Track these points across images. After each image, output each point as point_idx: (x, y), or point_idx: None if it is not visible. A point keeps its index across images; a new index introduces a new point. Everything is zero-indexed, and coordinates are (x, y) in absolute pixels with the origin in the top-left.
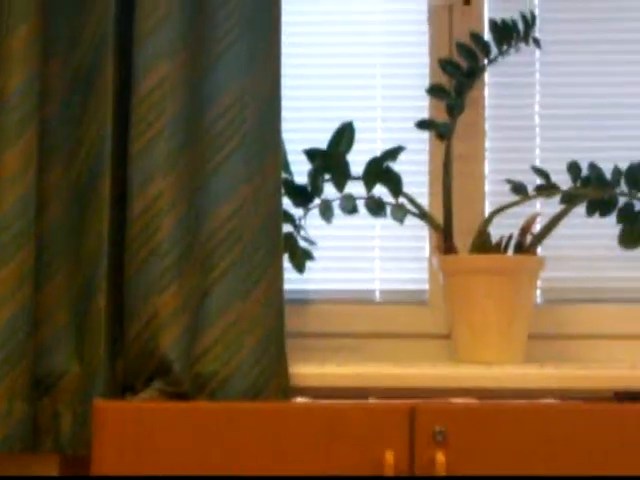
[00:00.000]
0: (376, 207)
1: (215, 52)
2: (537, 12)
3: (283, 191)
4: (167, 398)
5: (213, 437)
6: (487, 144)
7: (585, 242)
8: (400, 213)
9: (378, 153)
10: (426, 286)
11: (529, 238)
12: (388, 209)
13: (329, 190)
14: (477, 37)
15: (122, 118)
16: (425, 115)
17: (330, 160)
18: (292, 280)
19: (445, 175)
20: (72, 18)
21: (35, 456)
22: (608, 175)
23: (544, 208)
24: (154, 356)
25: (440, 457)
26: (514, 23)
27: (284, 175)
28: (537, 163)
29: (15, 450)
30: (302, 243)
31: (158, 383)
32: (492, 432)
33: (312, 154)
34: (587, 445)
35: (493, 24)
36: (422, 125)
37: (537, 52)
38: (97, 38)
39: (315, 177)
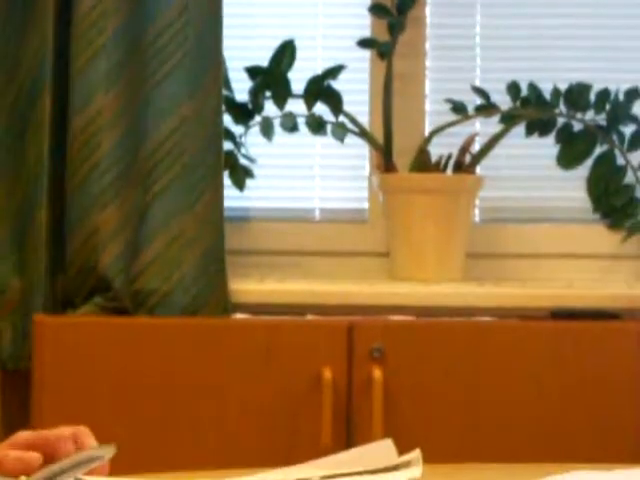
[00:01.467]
0: (316, 125)
1: None
2: None
3: (224, 108)
4: (107, 314)
5: (152, 352)
6: (428, 63)
7: (524, 162)
8: (340, 131)
9: (319, 71)
10: (366, 205)
11: (468, 157)
12: (328, 127)
13: (270, 108)
14: None
15: (63, 35)
16: (367, 34)
17: (271, 78)
18: (232, 198)
19: (385, 94)
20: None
21: None
22: (547, 96)
23: (484, 128)
24: (94, 272)
25: (377, 373)
26: None
27: (225, 92)
28: (477, 83)
29: None
30: (242, 161)
31: (98, 299)
32: (429, 349)
33: (253, 71)
34: (523, 363)
35: None
36: (363, 43)
37: None
38: None
39: (256, 94)
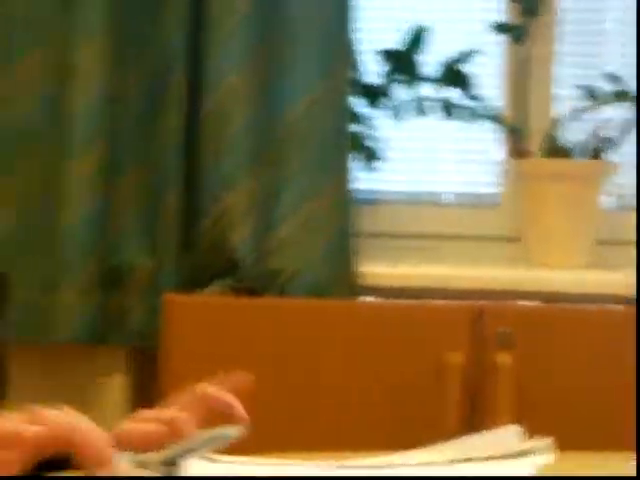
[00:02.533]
0: (448, 109)
1: None
2: None
3: (355, 91)
4: (236, 294)
5: (281, 333)
6: (562, 47)
7: None
8: (472, 115)
9: (452, 55)
10: (497, 189)
11: (601, 143)
12: (460, 112)
13: (401, 91)
14: None
15: (196, 15)
16: (501, 18)
17: (403, 61)
18: (362, 180)
19: (520, 78)
20: None
21: (105, 348)
22: None
23: (617, 113)
24: (224, 252)
25: (506, 359)
26: None
27: (356, 75)
28: (611, 68)
29: (84, 341)
30: (372, 143)
31: (227, 279)
32: (559, 335)
33: (386, 55)
34: None
35: None
36: (498, 28)
37: None
38: None
39: (388, 77)
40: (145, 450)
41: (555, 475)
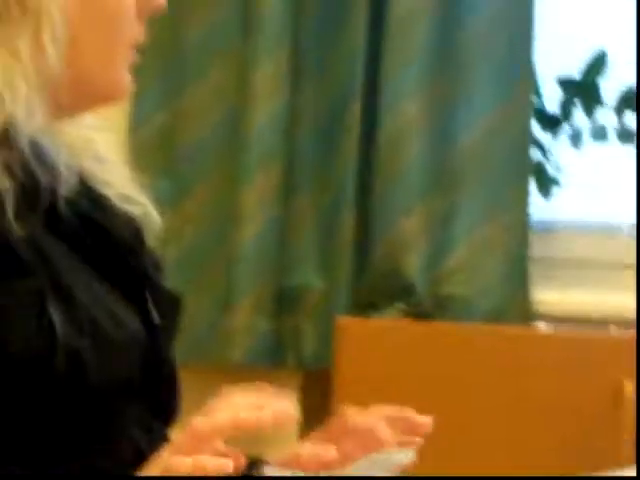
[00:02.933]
0: (627, 136)
1: None
2: None
3: (533, 117)
4: (409, 318)
5: (453, 358)
6: None
7: None
8: None
9: (631, 82)
10: None
11: None
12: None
13: (580, 118)
14: None
15: (374, 41)
16: None
17: (582, 87)
18: (539, 207)
19: None
20: None
21: (277, 370)
22: None
23: None
24: (398, 276)
25: None
26: None
27: (535, 101)
28: None
29: (258, 363)
30: (550, 170)
31: (401, 303)
32: None
33: (565, 82)
34: None
35: None
36: None
37: None
38: None
39: (566, 104)
40: (314, 470)
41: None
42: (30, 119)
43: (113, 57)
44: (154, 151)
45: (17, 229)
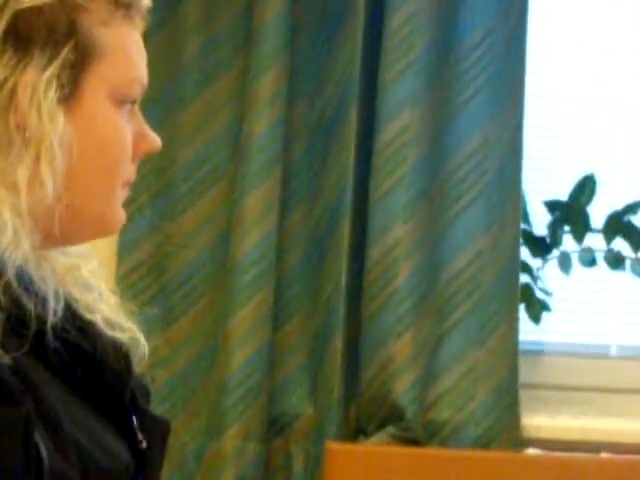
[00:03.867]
0: (615, 261)
1: (458, 100)
2: None
3: (522, 241)
4: (399, 443)
5: None
6: None
7: None
8: None
9: (619, 207)
10: None
11: None
12: (628, 263)
13: (568, 242)
14: None
15: (363, 165)
16: None
17: (570, 212)
18: (527, 331)
19: None
20: (318, 63)
21: None
22: None
23: None
24: (388, 401)
25: None
26: None
27: (523, 225)
28: None
29: None
30: (539, 294)
31: (390, 428)
32: None
33: (552, 205)
34: None
35: None
36: None
37: None
38: (343, 83)
39: (554, 228)
40: None
41: None
42: (17, 250)
43: (109, 195)
44: (143, 277)
45: (4, 357)
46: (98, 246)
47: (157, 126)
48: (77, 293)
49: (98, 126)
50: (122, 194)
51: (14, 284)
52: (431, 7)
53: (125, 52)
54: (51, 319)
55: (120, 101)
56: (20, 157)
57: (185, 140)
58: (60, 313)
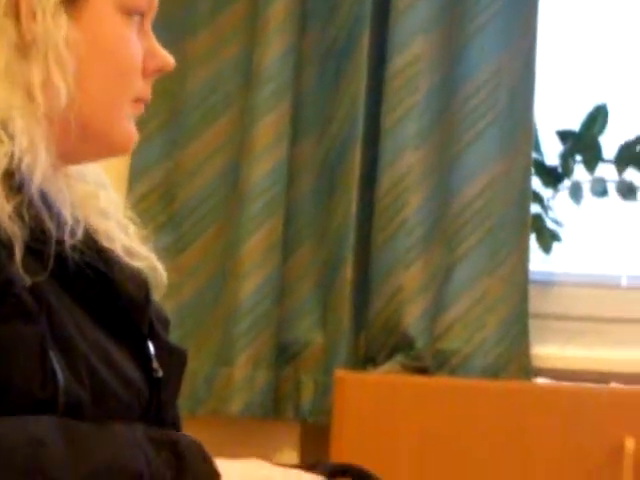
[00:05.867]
0: (627, 191)
1: (471, 29)
2: None
3: (533, 171)
4: (408, 372)
5: (452, 414)
6: None
7: None
8: None
9: (632, 136)
10: None
11: None
12: (639, 194)
13: (580, 172)
14: None
15: (374, 93)
16: None
17: (582, 142)
18: (538, 261)
19: None
20: None
21: (277, 423)
22: None
23: None
24: (397, 330)
25: None
26: None
27: (535, 155)
28: None
29: (257, 415)
30: (550, 224)
31: (400, 357)
32: None
33: (564, 135)
34: None
35: None
36: None
37: None
38: (354, 11)
39: (566, 158)
40: None
41: None
42: (35, 160)
43: (118, 107)
44: (154, 205)
45: (23, 276)
46: (109, 172)
47: (167, 51)
48: (96, 221)
49: (105, 33)
50: (134, 110)
51: (37, 203)
52: None
53: None
54: (69, 240)
55: (127, 11)
56: (30, 60)
57: (195, 67)
58: (79, 235)
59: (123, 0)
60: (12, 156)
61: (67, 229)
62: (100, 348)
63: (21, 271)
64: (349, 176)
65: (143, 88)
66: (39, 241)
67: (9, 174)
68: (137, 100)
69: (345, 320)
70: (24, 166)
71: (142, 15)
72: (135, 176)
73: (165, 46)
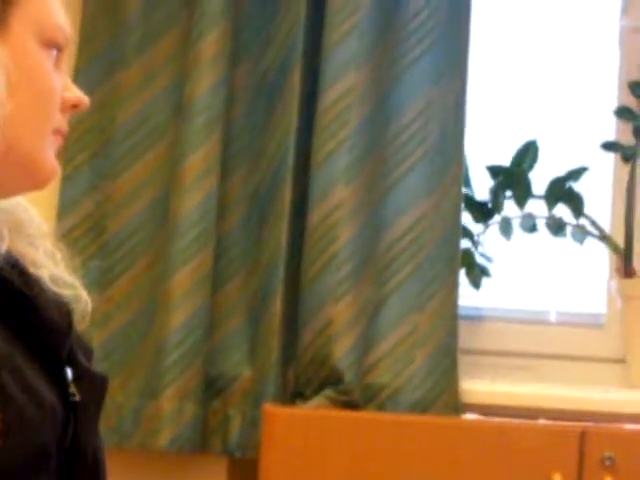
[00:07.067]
0: (556, 227)
1: (402, 64)
2: None
3: (463, 206)
4: (336, 407)
5: (381, 448)
6: None
7: None
8: (580, 234)
9: (561, 172)
10: (603, 309)
11: None
12: (568, 230)
13: (510, 207)
14: None
15: (305, 127)
16: (611, 137)
17: (512, 177)
18: (467, 296)
19: (628, 198)
20: (262, 24)
21: (204, 457)
22: None
23: None
24: (326, 364)
25: None
26: None
27: (465, 190)
28: None
29: (185, 449)
30: (480, 259)
31: (328, 391)
32: None
33: (495, 170)
34: None
35: None
36: (607, 147)
37: None
38: (286, 45)
39: (496, 194)
40: None
41: None
42: None
43: (43, 134)
44: (83, 237)
45: None
46: (38, 205)
47: (98, 84)
48: (22, 248)
49: (28, 61)
50: (53, 142)
51: None
52: None
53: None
54: None
55: (46, 44)
56: None
57: (126, 99)
58: (2, 250)
59: (42, 32)
60: None
61: None
62: (19, 369)
63: None
64: (279, 210)
65: (62, 121)
66: None
67: None
68: (56, 132)
69: (274, 354)
70: None
71: (59, 50)
72: (64, 208)
73: (97, 78)
